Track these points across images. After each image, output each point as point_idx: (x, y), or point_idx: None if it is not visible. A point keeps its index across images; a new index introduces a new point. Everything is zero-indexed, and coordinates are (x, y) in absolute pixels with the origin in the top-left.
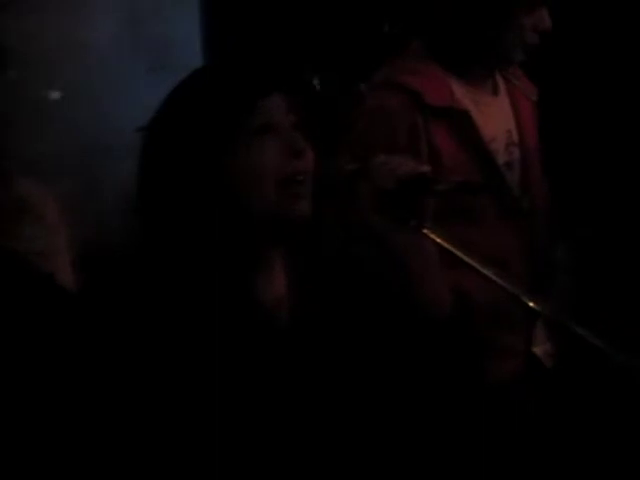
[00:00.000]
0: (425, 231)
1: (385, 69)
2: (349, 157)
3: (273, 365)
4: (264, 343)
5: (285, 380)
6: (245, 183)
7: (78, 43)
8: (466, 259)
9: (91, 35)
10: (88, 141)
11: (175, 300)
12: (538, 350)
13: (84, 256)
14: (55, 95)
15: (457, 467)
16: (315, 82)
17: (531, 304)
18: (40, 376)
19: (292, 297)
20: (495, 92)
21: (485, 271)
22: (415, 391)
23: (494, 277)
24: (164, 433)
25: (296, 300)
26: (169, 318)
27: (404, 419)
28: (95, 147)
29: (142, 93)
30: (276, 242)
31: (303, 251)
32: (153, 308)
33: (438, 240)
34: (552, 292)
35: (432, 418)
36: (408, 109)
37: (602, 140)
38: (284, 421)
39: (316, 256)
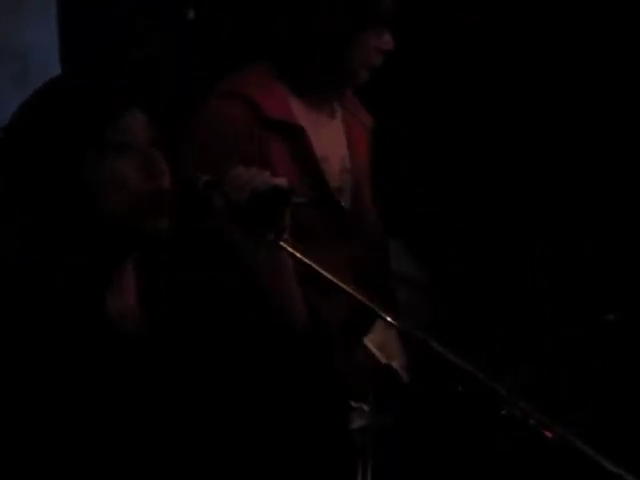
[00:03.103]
0: (282, 244)
1: (227, 81)
2: (199, 168)
3: (119, 377)
4: (109, 355)
5: (132, 391)
6: (101, 196)
7: None
8: (323, 273)
9: None
10: None
11: (24, 310)
12: (394, 364)
13: None
14: None
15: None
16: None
17: (388, 319)
18: None
19: (142, 308)
20: (332, 116)
21: (343, 285)
22: (270, 401)
23: (351, 291)
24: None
25: (146, 311)
26: (16, 329)
27: (258, 430)
28: None
29: (7, 105)
30: (129, 253)
31: (155, 263)
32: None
33: (295, 253)
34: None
35: (287, 427)
36: (245, 118)
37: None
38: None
39: (168, 268)
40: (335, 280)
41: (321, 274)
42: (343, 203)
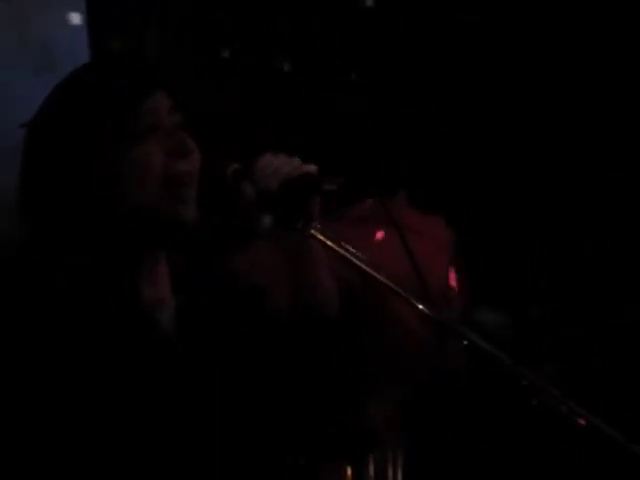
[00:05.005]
0: (313, 232)
1: None
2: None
3: (155, 367)
4: (144, 344)
5: (168, 380)
6: (129, 183)
7: None
8: (355, 260)
9: None
10: None
11: (55, 302)
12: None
13: None
14: None
15: None
16: None
17: (421, 307)
18: None
19: (175, 298)
20: None
21: (375, 274)
22: (300, 389)
23: (385, 280)
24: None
25: (179, 301)
26: (49, 321)
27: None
28: None
29: (30, 94)
30: (160, 243)
31: (186, 252)
32: (33, 311)
33: (326, 241)
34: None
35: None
36: None
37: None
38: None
39: (199, 257)
40: (367, 268)
41: (353, 261)
42: None
